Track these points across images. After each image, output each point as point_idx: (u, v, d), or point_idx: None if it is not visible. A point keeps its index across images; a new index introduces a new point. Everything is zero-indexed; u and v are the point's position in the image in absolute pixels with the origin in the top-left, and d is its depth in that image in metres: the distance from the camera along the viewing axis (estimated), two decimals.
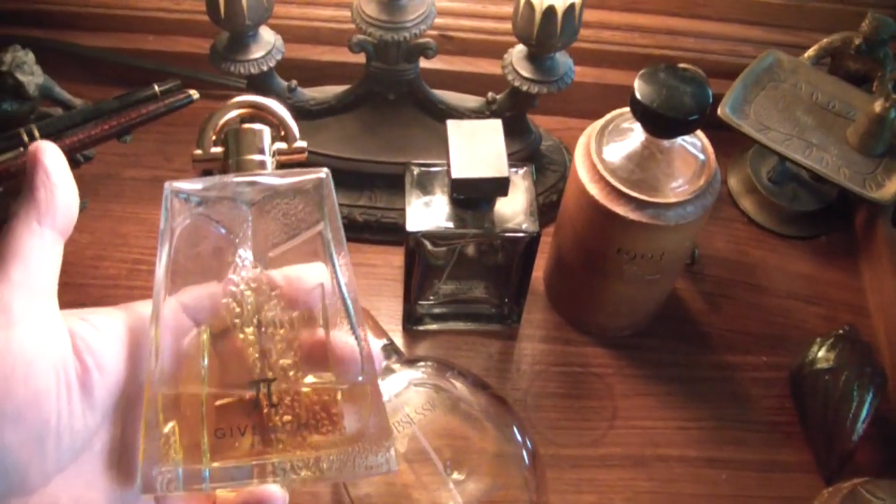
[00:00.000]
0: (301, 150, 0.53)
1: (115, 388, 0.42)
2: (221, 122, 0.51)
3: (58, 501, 0.40)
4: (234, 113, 0.52)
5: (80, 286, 0.79)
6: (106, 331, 0.43)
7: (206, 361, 0.45)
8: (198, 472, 0.41)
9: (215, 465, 0.42)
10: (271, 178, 0.48)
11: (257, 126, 0.51)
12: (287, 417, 0.43)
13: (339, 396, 0.44)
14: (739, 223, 0.89)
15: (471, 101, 0.83)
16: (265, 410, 0.43)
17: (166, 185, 0.49)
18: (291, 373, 0.44)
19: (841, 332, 0.77)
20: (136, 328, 0.44)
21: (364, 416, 0.44)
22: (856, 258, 0.88)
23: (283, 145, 0.51)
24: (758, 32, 0.93)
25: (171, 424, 0.42)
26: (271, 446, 0.42)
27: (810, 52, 0.87)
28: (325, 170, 0.50)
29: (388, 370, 0.68)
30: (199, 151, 0.51)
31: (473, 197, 0.68)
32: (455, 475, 0.63)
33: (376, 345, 0.59)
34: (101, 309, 0.44)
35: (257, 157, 0.50)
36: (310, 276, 0.46)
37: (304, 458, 0.42)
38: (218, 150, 0.50)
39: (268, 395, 0.43)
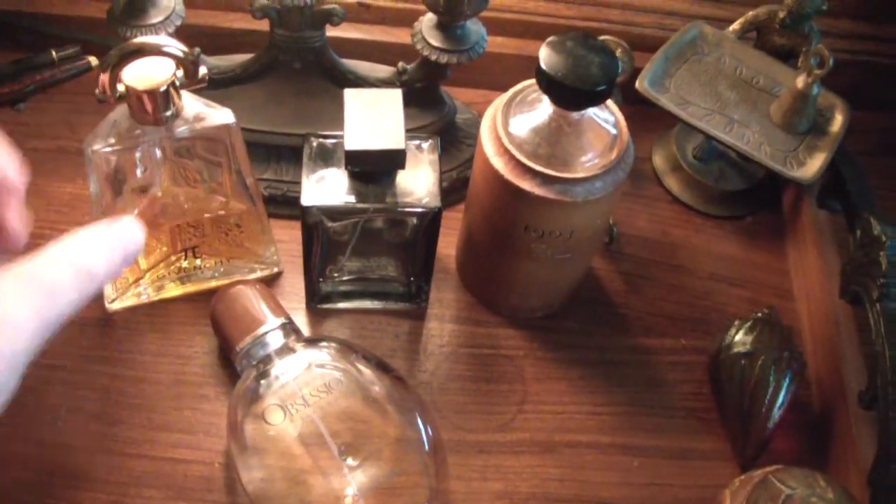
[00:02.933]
0: (202, 80, 0.62)
1: None
2: (120, 69, 0.59)
3: None
4: (130, 58, 0.59)
5: None
6: None
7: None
8: None
9: None
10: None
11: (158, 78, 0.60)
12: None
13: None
14: (663, 202, 0.87)
15: (381, 71, 0.80)
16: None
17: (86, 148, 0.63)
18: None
19: (760, 315, 0.74)
20: None
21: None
22: (782, 240, 0.86)
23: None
24: (685, 5, 0.90)
25: None
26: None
27: (735, 25, 0.84)
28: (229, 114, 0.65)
29: (288, 349, 0.65)
30: (103, 98, 0.60)
31: (369, 170, 0.65)
32: (349, 460, 0.61)
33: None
34: None
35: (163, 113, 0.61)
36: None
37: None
38: (122, 91, 0.60)
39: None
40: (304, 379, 0.64)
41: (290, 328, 0.68)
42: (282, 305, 0.70)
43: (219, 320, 0.68)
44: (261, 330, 0.66)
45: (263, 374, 0.64)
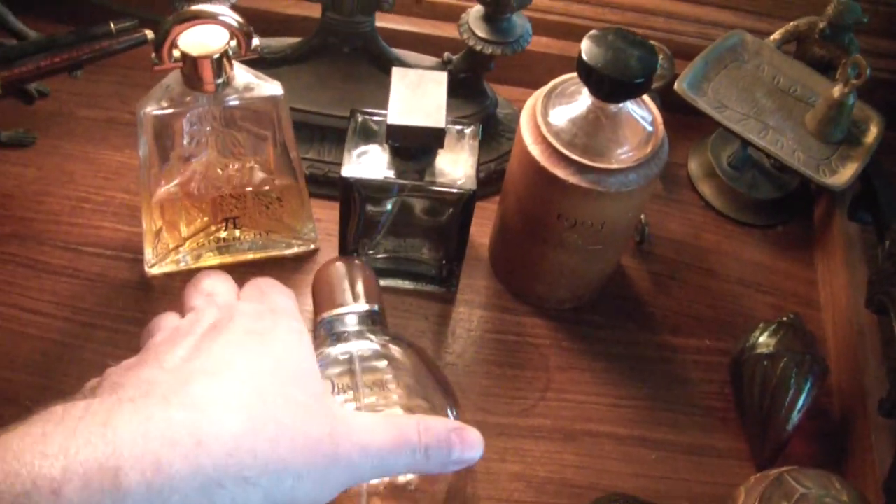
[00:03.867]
0: (255, 51, 0.64)
1: None
2: (176, 33, 0.62)
3: None
4: (188, 24, 0.61)
5: (20, 219, 0.78)
6: None
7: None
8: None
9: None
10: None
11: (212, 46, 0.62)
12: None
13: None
14: (696, 207, 0.88)
15: (428, 60, 0.82)
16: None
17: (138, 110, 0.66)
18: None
19: (785, 319, 0.75)
20: None
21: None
22: (811, 250, 0.87)
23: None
24: (729, 16, 0.92)
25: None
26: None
27: (776, 35, 0.85)
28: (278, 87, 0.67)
29: (362, 335, 0.63)
30: (158, 62, 0.63)
31: (408, 146, 0.66)
32: None
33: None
34: None
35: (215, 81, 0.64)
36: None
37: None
38: (177, 56, 0.63)
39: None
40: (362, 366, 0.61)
41: (378, 317, 0.66)
42: (380, 291, 0.69)
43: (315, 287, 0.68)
44: (343, 310, 0.65)
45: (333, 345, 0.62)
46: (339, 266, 0.67)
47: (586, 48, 0.63)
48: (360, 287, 0.66)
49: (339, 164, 0.79)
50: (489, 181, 0.82)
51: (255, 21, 0.81)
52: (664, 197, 0.88)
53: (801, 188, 0.88)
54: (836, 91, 0.78)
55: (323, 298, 0.66)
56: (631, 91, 0.64)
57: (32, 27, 0.84)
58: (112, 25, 0.80)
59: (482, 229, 0.80)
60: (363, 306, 0.65)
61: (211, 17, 0.62)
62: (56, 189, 0.81)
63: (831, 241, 0.83)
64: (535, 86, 0.89)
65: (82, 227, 0.78)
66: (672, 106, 0.83)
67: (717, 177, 0.87)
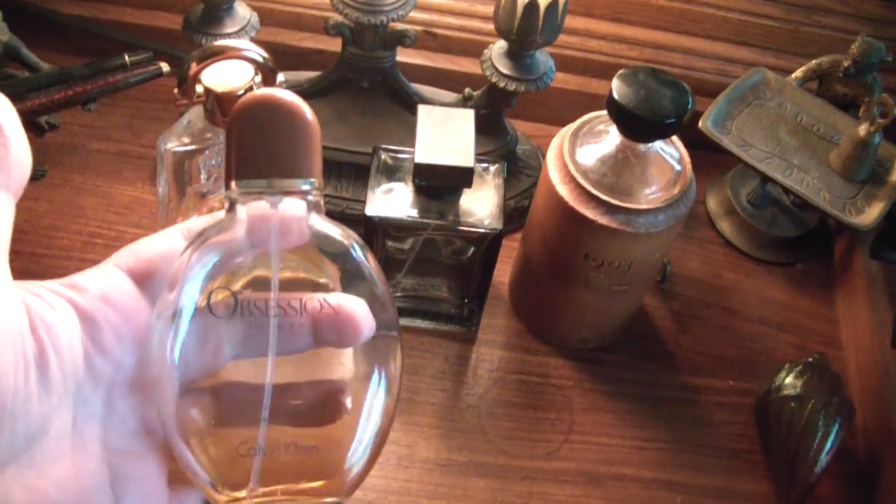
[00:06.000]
0: (280, 87, 0.56)
1: (70, 372, 0.38)
2: (199, 68, 0.59)
3: (10, 493, 0.36)
4: (213, 60, 0.58)
5: (31, 255, 0.77)
6: (61, 310, 0.38)
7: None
8: None
9: None
10: None
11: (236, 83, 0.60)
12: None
13: None
14: (716, 245, 0.87)
15: (447, 96, 0.81)
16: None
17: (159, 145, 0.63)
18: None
19: (810, 359, 0.74)
20: (88, 309, 0.39)
21: None
22: (832, 288, 0.86)
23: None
24: (746, 53, 0.91)
25: None
26: None
27: (798, 72, 0.85)
28: None
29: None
30: (183, 100, 0.60)
31: (435, 185, 0.65)
32: None
33: None
34: (47, 284, 0.40)
35: None
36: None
37: None
38: (199, 92, 0.60)
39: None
40: None
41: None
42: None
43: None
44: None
45: None
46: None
47: (617, 87, 0.62)
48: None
49: (358, 201, 0.79)
50: (510, 219, 0.81)
51: (270, 55, 0.81)
52: (684, 234, 0.87)
53: (820, 225, 0.87)
54: (862, 130, 0.77)
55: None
56: (662, 131, 0.63)
57: (46, 59, 0.83)
58: (127, 58, 0.79)
59: (502, 267, 0.79)
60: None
61: (236, 53, 0.60)
62: (67, 223, 0.79)
63: (853, 279, 0.82)
64: (553, 121, 0.89)
65: (94, 264, 0.76)
66: (688, 142, 0.82)
67: (737, 214, 0.86)
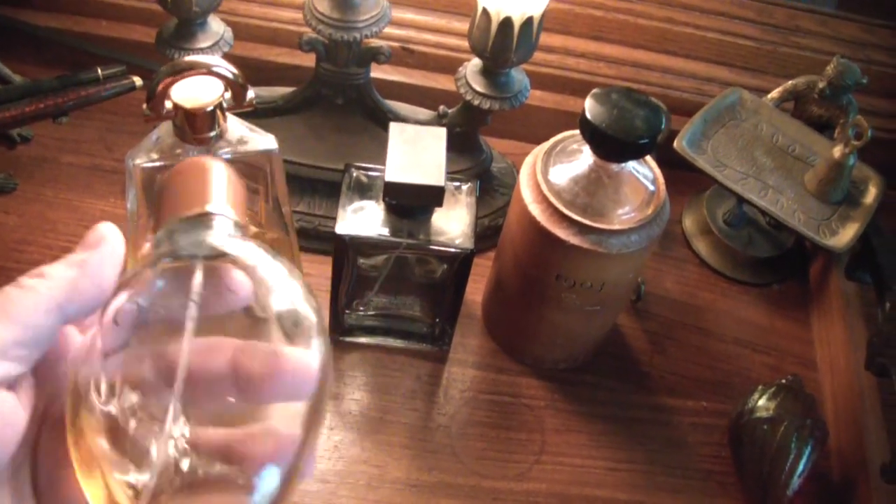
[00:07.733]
0: (249, 104, 0.61)
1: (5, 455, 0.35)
2: (168, 84, 0.57)
3: None
4: (182, 75, 0.57)
5: (0, 269, 0.76)
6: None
7: None
8: None
9: None
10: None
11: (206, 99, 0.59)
12: None
13: None
14: (691, 265, 0.87)
15: (422, 113, 0.81)
16: None
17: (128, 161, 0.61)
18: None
19: (784, 381, 0.74)
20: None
21: None
22: (807, 309, 0.85)
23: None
24: (725, 73, 0.91)
25: None
26: None
27: (774, 93, 0.85)
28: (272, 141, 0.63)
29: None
30: (152, 115, 0.59)
31: (406, 204, 0.65)
32: None
33: None
34: None
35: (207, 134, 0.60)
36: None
37: None
38: (169, 108, 0.59)
39: None
40: None
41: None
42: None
43: None
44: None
45: None
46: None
47: (590, 106, 0.62)
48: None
49: (330, 218, 0.78)
50: (483, 237, 0.80)
51: (245, 70, 0.80)
52: (659, 254, 0.86)
53: (796, 246, 0.87)
54: (837, 152, 0.77)
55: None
56: (635, 151, 0.62)
57: (18, 71, 0.82)
58: (100, 71, 0.79)
59: (475, 286, 0.78)
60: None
61: (205, 68, 0.59)
62: (37, 238, 0.79)
63: (828, 300, 0.82)
64: (528, 139, 0.89)
65: None
66: (664, 161, 0.82)
67: (713, 234, 0.86)
